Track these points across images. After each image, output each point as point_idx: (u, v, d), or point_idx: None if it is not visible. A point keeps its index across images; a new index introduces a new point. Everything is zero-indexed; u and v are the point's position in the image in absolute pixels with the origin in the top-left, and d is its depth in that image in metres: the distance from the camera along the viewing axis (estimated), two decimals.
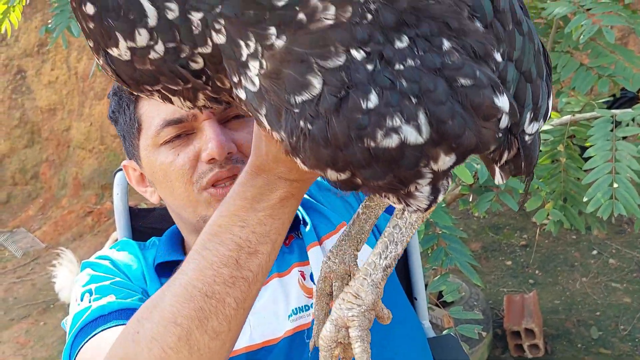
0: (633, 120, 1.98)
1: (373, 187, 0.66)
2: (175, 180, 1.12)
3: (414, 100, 0.60)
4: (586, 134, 1.98)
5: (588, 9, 2.23)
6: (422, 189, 0.67)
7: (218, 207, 0.88)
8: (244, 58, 0.61)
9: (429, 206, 0.70)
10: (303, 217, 1.28)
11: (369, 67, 0.59)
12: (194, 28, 0.61)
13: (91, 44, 0.67)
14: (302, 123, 0.60)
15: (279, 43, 0.59)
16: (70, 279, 3.96)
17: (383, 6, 0.59)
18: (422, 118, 0.60)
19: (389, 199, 0.71)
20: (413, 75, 0.60)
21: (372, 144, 0.60)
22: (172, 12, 0.60)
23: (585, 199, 1.87)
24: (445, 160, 0.63)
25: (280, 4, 0.58)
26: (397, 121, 0.60)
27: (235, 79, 0.64)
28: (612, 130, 1.94)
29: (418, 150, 0.61)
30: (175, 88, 0.68)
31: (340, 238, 0.91)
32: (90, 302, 1.09)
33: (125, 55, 0.64)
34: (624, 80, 2.35)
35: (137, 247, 1.29)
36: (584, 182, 1.91)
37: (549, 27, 2.68)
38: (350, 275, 0.90)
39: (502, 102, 0.63)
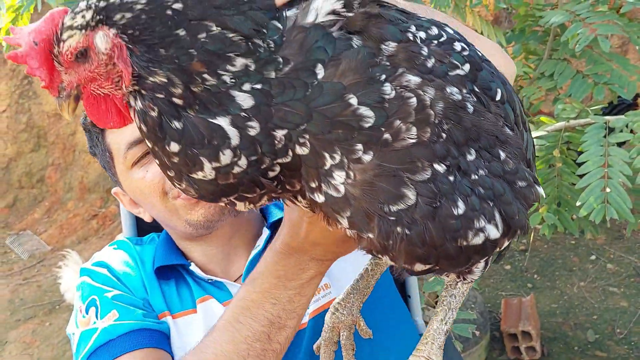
0: (627, 126, 2.02)
1: (447, 271, 0.79)
2: (150, 195, 1.19)
3: (490, 203, 0.73)
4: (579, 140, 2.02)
5: (584, 18, 2.27)
6: (479, 265, 0.80)
7: (248, 280, 0.97)
8: (327, 167, 0.69)
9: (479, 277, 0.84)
10: None
11: (451, 178, 0.70)
12: (276, 142, 0.68)
13: (172, 174, 0.72)
14: (399, 229, 0.69)
15: (367, 158, 0.68)
16: (75, 280, 3.97)
17: (453, 125, 0.70)
18: (498, 217, 0.74)
19: (448, 276, 0.84)
20: (486, 183, 0.73)
21: (464, 243, 0.72)
22: (254, 129, 0.67)
23: (578, 203, 1.91)
24: (506, 244, 0.78)
25: (367, 125, 0.67)
26: (482, 222, 0.72)
27: (314, 185, 0.72)
28: (605, 137, 1.98)
29: (495, 242, 0.74)
30: (250, 196, 0.74)
31: (348, 291, 1.01)
32: (96, 317, 1.15)
33: (210, 175, 0.70)
34: (619, 88, 2.39)
35: (133, 247, 1.33)
36: (577, 187, 1.95)
37: (547, 34, 2.72)
38: (355, 325, 1.03)
39: (541, 191, 0.79)
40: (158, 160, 0.73)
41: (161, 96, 0.67)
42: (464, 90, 0.73)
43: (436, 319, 0.87)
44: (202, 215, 1.18)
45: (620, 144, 2.05)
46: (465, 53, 0.76)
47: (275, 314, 0.94)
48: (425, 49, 0.72)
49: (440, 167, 0.70)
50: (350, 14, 0.69)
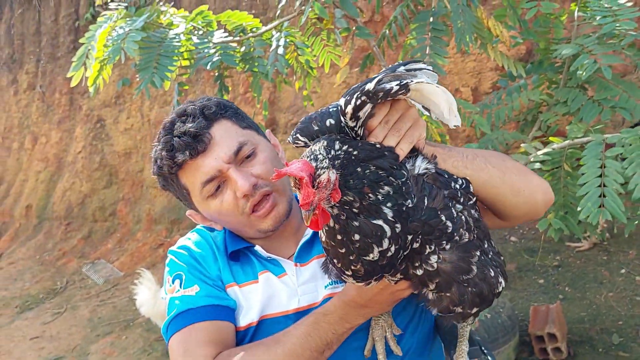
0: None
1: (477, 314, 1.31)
2: (227, 217, 1.52)
3: (499, 269, 1.27)
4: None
5: (590, 50, 2.57)
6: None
7: (321, 311, 1.40)
8: (426, 253, 1.16)
9: None
10: None
11: (484, 257, 1.24)
12: (407, 242, 1.14)
13: (352, 257, 1.15)
14: (469, 289, 1.21)
15: (448, 247, 1.17)
16: (149, 296, 4.33)
17: (479, 230, 1.24)
18: (502, 274, 1.27)
19: (467, 317, 1.32)
20: (495, 258, 1.28)
21: (497, 291, 1.26)
22: (398, 228, 1.12)
23: (578, 208, 2.20)
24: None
25: (449, 231, 1.16)
26: (500, 279, 1.26)
27: (417, 264, 1.18)
28: (602, 152, 2.28)
29: (503, 289, 1.28)
30: (385, 275, 1.19)
31: None
32: (180, 287, 1.51)
33: (376, 257, 1.12)
34: (625, 111, 2.66)
35: (208, 232, 1.65)
36: (577, 194, 2.24)
37: (564, 65, 3.00)
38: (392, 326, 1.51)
39: None
40: (344, 249, 1.14)
41: (347, 207, 1.11)
42: (476, 209, 1.26)
43: (462, 343, 1.42)
44: (270, 225, 1.51)
45: (624, 159, 2.32)
46: (467, 189, 1.28)
47: (331, 339, 1.37)
48: (459, 192, 1.23)
49: (479, 253, 1.22)
50: (433, 171, 1.20)
